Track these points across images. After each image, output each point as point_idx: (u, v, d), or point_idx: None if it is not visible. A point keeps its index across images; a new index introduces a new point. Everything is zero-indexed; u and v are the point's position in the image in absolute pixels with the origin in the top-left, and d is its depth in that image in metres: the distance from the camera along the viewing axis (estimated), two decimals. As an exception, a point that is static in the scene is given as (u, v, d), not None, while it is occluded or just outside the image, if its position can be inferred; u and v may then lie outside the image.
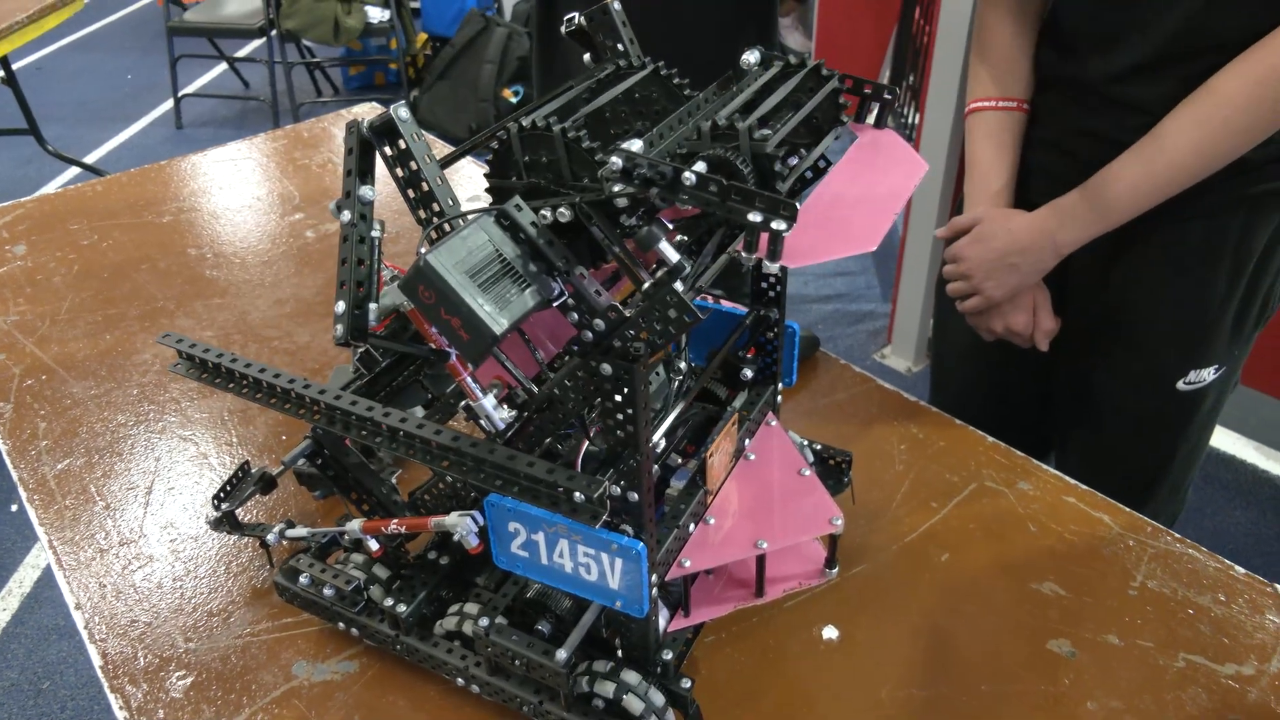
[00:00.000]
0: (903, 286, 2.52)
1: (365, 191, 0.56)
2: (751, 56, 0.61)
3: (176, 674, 0.78)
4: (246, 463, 0.88)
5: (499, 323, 0.50)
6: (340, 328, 0.55)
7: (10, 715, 1.73)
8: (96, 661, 0.79)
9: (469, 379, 0.61)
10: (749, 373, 0.79)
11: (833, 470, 0.88)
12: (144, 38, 5.32)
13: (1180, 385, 1.09)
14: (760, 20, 1.29)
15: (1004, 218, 1.06)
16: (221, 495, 0.85)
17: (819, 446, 0.88)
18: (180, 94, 4.25)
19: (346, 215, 0.56)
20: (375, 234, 0.57)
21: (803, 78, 0.59)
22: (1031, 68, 1.08)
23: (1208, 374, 1.09)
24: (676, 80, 0.65)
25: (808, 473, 0.73)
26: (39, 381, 1.12)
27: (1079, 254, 1.04)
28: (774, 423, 0.80)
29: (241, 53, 4.78)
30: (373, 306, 0.55)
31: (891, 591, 0.82)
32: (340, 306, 0.55)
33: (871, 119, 0.63)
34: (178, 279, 1.31)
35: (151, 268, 1.34)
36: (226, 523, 0.86)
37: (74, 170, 3.71)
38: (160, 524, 0.93)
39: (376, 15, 4.01)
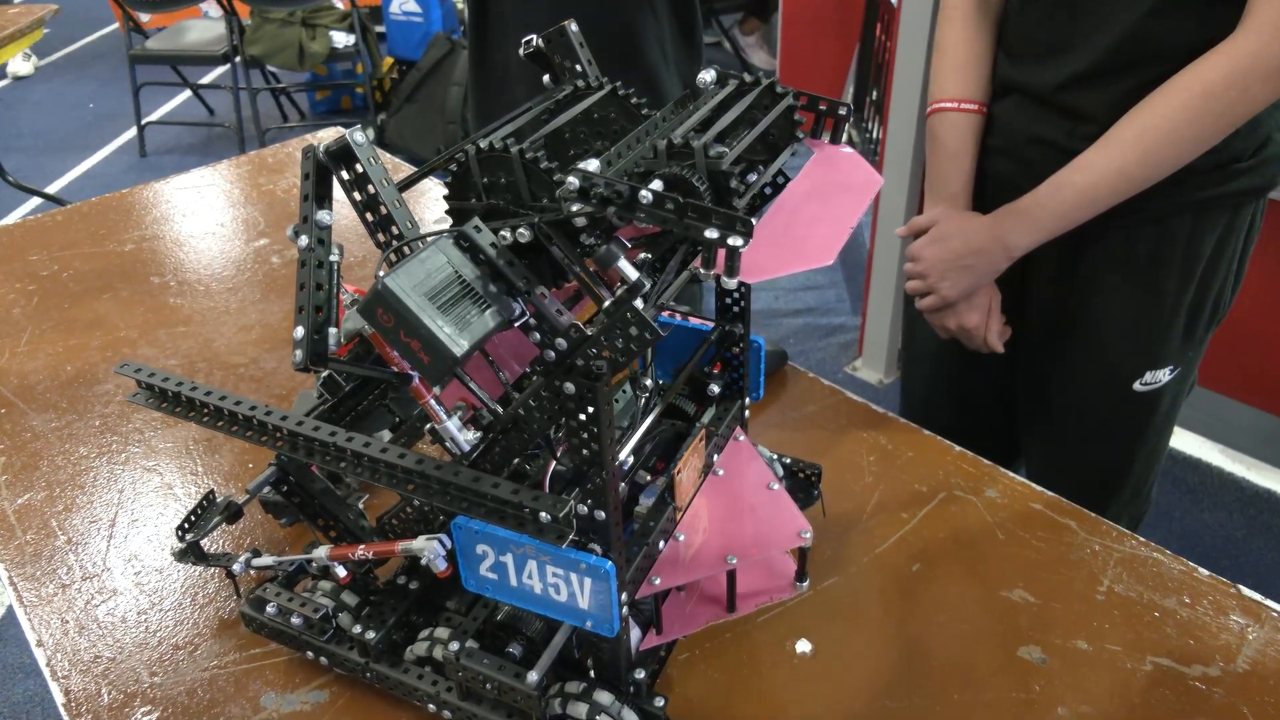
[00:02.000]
0: (872, 299, 2.55)
1: (322, 216, 0.56)
2: (708, 75, 0.62)
3: (142, 709, 0.76)
4: (211, 492, 0.87)
5: (459, 344, 0.49)
6: (299, 353, 0.55)
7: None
8: (59, 699, 0.78)
9: (433, 402, 0.61)
10: (716, 388, 0.79)
11: (803, 483, 0.89)
12: (106, 66, 5.28)
13: (1136, 386, 1.11)
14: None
15: (960, 219, 1.09)
16: (186, 526, 0.84)
17: (789, 460, 0.88)
18: (144, 122, 4.21)
19: (304, 240, 0.55)
20: (334, 258, 0.57)
21: (757, 95, 0.59)
22: (990, 72, 1.11)
23: (1163, 375, 1.11)
24: (635, 100, 0.65)
25: (776, 486, 0.73)
26: (-3, 416, 1.10)
27: (1038, 257, 1.07)
28: (742, 438, 0.80)
29: (205, 80, 4.76)
30: (333, 331, 0.55)
31: (864, 603, 0.83)
32: (299, 332, 0.55)
33: (827, 136, 0.64)
34: (140, 308, 1.29)
35: (114, 297, 1.32)
36: (191, 554, 0.85)
37: (35, 200, 3.66)
38: (124, 557, 0.91)
39: (341, 40, 4.01)
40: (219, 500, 0.87)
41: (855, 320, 2.82)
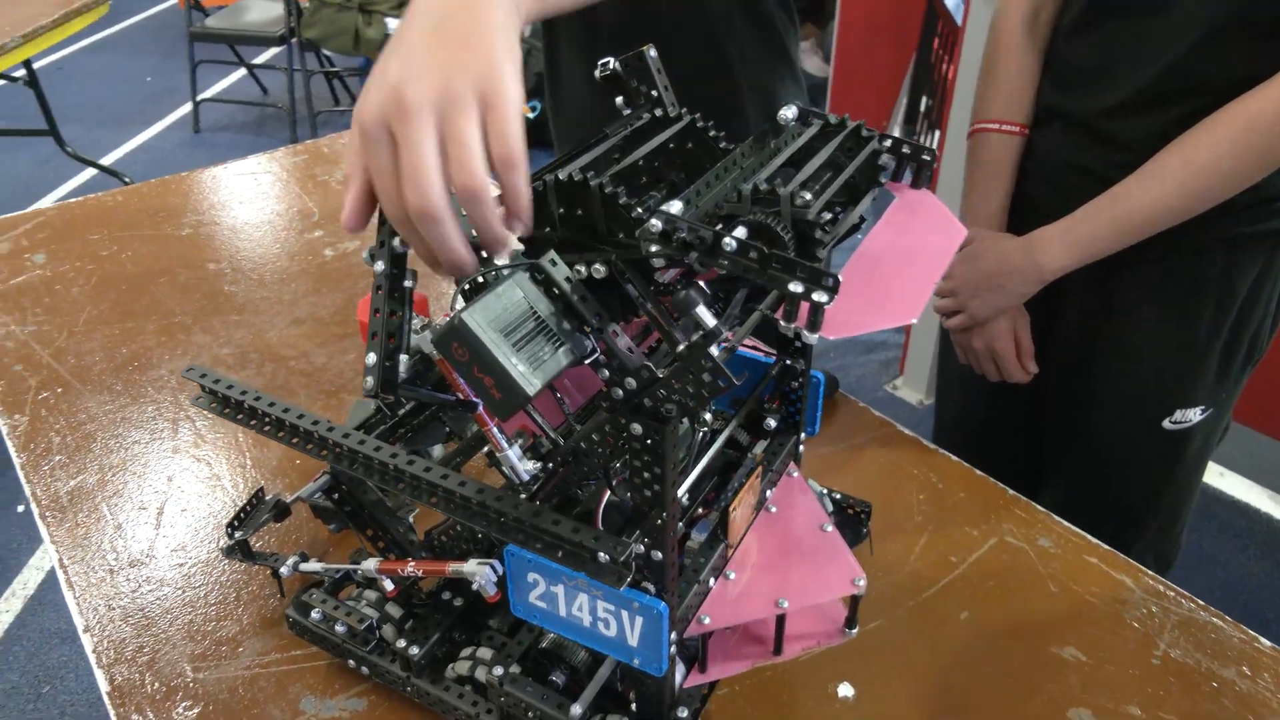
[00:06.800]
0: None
1: (398, 243, 0.55)
2: (789, 112, 0.60)
3: (183, 704, 0.77)
4: (261, 489, 0.87)
5: (532, 384, 0.49)
6: (370, 380, 0.54)
7: (10, 717, 1.72)
8: (104, 687, 0.78)
9: (495, 429, 0.60)
10: (772, 422, 0.78)
11: (851, 520, 0.87)
12: (164, 41, 5.35)
13: (1166, 424, 1.09)
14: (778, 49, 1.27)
15: (995, 240, 1.09)
16: (235, 523, 0.84)
17: (838, 495, 0.87)
18: (199, 99, 4.27)
19: (380, 265, 0.55)
20: (408, 284, 0.57)
21: (843, 139, 0.58)
22: (1035, 97, 1.10)
23: (1194, 414, 1.09)
24: (713, 133, 0.64)
25: (830, 528, 0.72)
26: (54, 395, 1.11)
27: (1069, 284, 1.06)
28: (796, 474, 0.79)
29: (260, 59, 4.81)
30: (404, 359, 0.54)
31: (909, 649, 0.81)
32: (371, 358, 0.54)
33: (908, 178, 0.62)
34: (196, 294, 1.31)
35: (170, 281, 1.33)
36: (239, 551, 0.85)
37: (91, 172, 3.72)
38: (171, 546, 0.92)
39: (396, 27, 4.03)
40: (268, 499, 0.87)
41: (898, 338, 2.78)
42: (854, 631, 0.71)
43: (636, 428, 0.54)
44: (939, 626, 0.83)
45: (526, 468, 0.60)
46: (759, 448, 0.79)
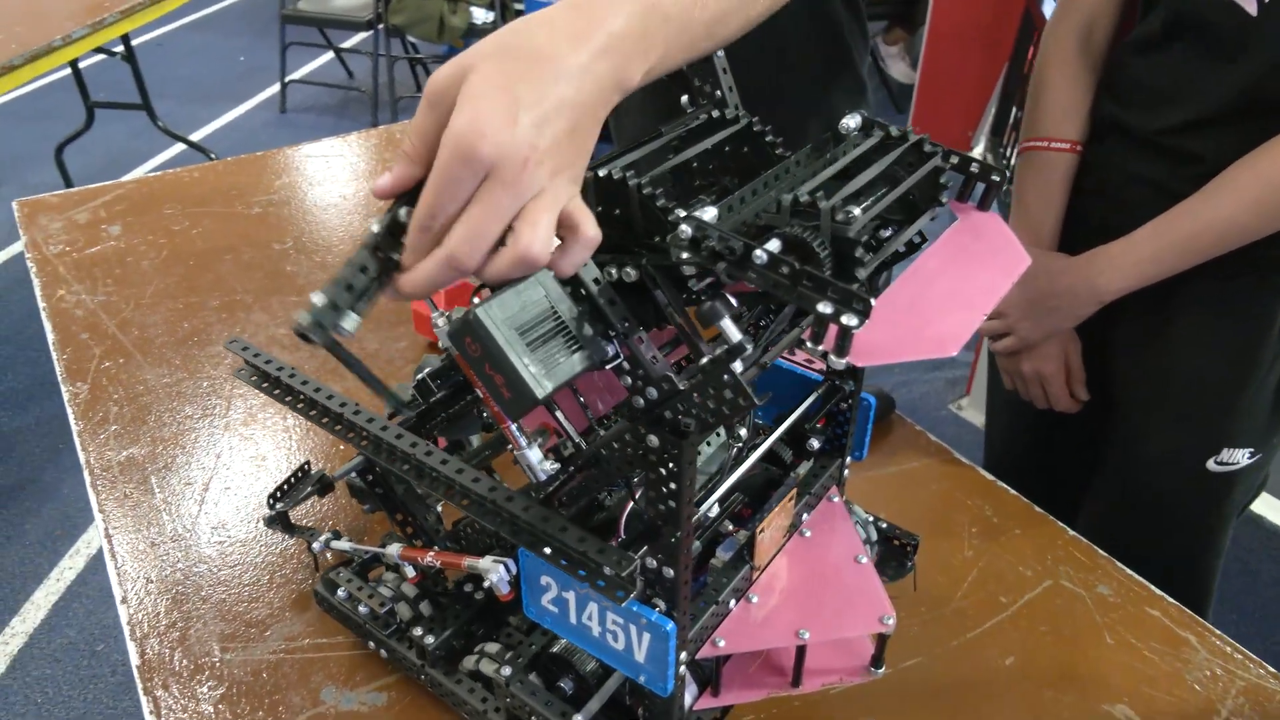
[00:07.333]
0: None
1: (403, 214, 0.51)
2: (851, 121, 0.57)
3: (209, 684, 0.77)
4: (307, 463, 0.87)
5: (542, 386, 0.47)
6: (305, 317, 0.48)
7: (64, 672, 1.78)
8: (134, 660, 0.79)
9: (514, 428, 0.58)
10: (816, 443, 0.74)
11: (896, 551, 0.83)
12: (259, 22, 5.50)
13: (1211, 465, 1.03)
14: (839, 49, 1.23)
15: (1047, 259, 1.04)
16: (278, 495, 0.85)
17: (885, 524, 0.83)
18: (287, 80, 4.38)
19: (376, 227, 0.52)
20: (396, 257, 0.52)
21: (903, 152, 0.54)
22: (1089, 112, 1.06)
23: (1241, 456, 1.02)
24: (770, 138, 0.61)
25: (865, 560, 0.69)
26: (116, 365, 1.14)
27: (1122, 306, 1.00)
28: (837, 499, 0.75)
29: (348, 43, 4.91)
30: (353, 319, 0.50)
31: (947, 692, 0.77)
32: (319, 299, 0.49)
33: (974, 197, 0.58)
34: (258, 272, 1.33)
35: (235, 258, 1.36)
36: (280, 522, 0.86)
37: (180, 147, 3.84)
38: (212, 524, 0.93)
39: (481, 16, 4.06)
40: (313, 472, 0.87)
41: (967, 355, 2.68)
42: (880, 671, 0.67)
43: (653, 440, 0.51)
44: (981, 671, 0.79)
45: (545, 468, 0.58)
46: (803, 467, 0.75)
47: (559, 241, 0.48)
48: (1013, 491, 0.97)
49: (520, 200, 0.45)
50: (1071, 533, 0.92)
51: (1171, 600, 0.85)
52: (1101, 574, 0.88)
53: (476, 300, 0.48)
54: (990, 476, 1.00)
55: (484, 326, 0.46)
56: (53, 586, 1.96)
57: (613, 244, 0.54)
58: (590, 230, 0.48)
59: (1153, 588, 0.86)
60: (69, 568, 2.01)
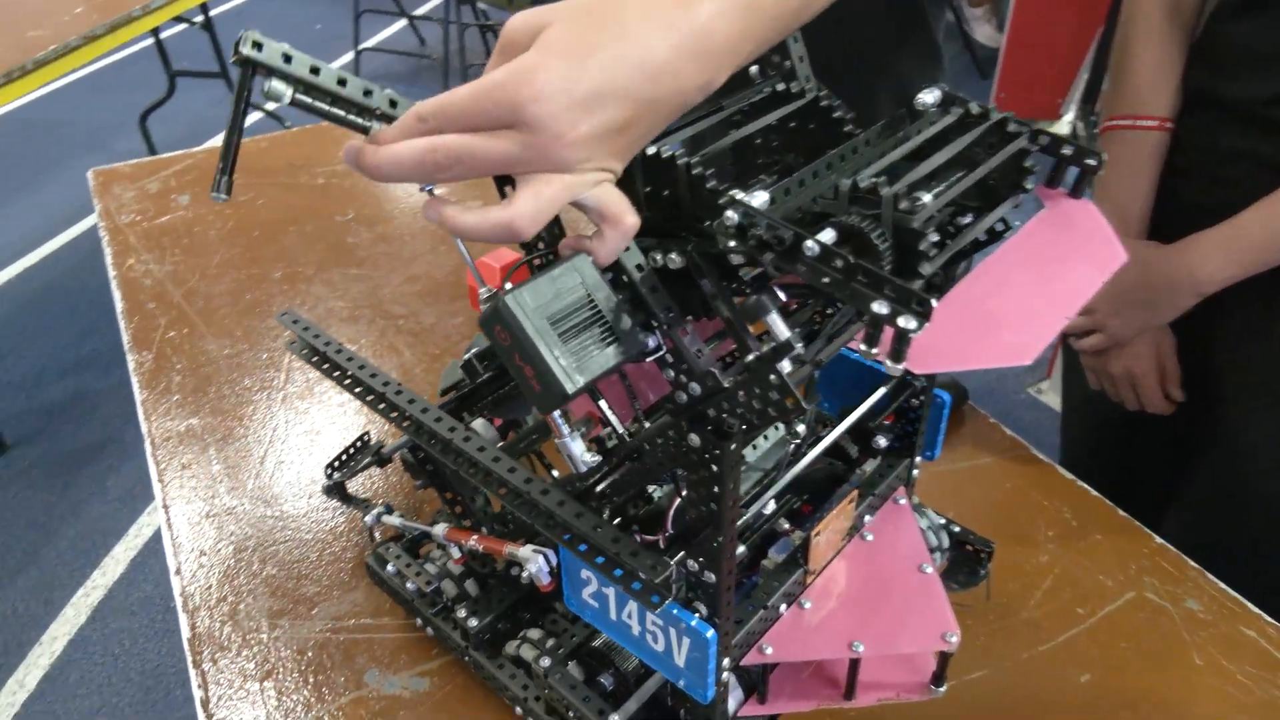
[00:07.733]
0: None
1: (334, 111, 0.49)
2: (929, 97, 0.52)
3: (255, 660, 0.78)
4: (367, 433, 0.87)
5: (573, 381, 0.44)
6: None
7: (140, 625, 1.86)
8: (185, 632, 0.80)
9: (556, 415, 0.56)
10: (883, 441, 0.70)
11: (969, 557, 0.78)
12: (335, -12, 5.56)
13: None
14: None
15: (1139, 248, 0.94)
16: (336, 464, 0.85)
17: (958, 529, 0.77)
18: (360, 48, 4.42)
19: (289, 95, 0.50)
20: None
21: (983, 132, 0.49)
22: (1178, 85, 0.96)
23: None
24: (838, 113, 0.56)
25: (930, 570, 0.64)
26: (180, 335, 1.16)
27: (1226, 299, 0.90)
28: (903, 500, 0.71)
29: (420, 10, 4.92)
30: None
31: (1015, 709, 0.72)
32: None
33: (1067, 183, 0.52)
34: (320, 244, 1.33)
35: (299, 230, 1.37)
36: (336, 492, 0.86)
37: (257, 115, 3.92)
38: (266, 498, 0.93)
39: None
40: (372, 443, 0.87)
41: (1053, 337, 2.53)
42: (941, 690, 0.63)
43: (695, 439, 0.48)
44: (1054, 687, 0.73)
45: (587, 460, 0.56)
46: (869, 465, 0.71)
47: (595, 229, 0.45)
48: (1095, 493, 0.90)
49: (532, 166, 0.44)
50: (1159, 540, 0.85)
51: (1270, 620, 0.78)
52: (1191, 586, 0.81)
53: (509, 285, 0.45)
54: (1070, 476, 0.93)
55: (513, 314, 0.44)
56: (131, 542, 2.05)
57: (658, 227, 0.51)
58: (629, 219, 0.45)
59: (1249, 604, 0.79)
60: (146, 524, 2.09)
